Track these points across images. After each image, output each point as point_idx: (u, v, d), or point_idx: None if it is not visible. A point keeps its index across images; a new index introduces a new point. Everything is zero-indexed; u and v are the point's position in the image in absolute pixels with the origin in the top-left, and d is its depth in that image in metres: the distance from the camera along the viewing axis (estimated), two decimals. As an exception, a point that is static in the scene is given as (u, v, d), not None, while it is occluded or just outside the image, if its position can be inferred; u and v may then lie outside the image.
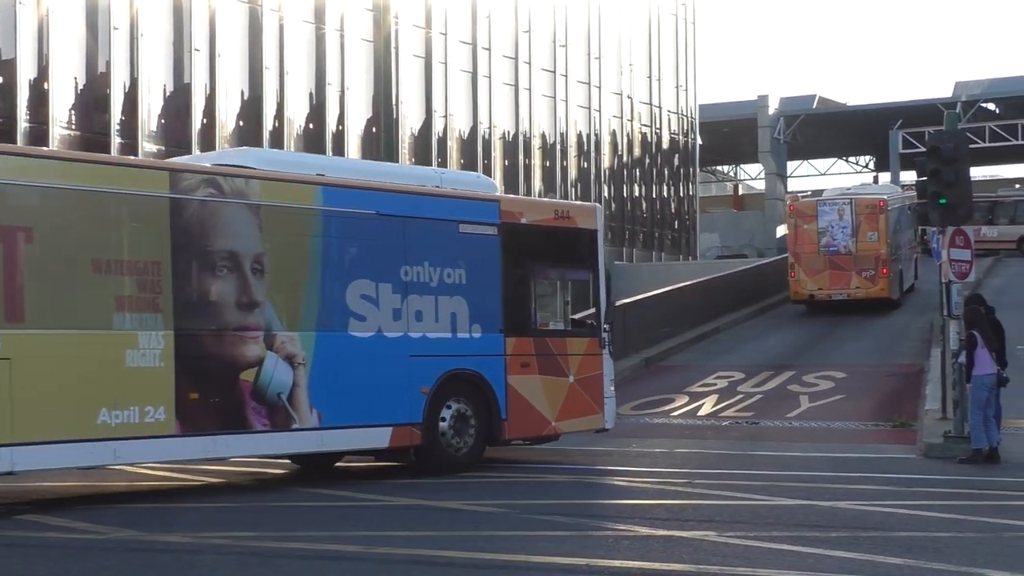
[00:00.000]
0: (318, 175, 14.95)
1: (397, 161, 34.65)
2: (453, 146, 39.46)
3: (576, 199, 43.29)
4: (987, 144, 57.08)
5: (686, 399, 24.09)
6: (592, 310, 17.68)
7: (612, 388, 17.65)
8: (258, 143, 31.87)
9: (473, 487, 14.43)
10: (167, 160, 14.70)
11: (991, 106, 61.94)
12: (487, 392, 15.95)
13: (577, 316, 17.92)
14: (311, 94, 34.23)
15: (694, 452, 18.43)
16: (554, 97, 44.64)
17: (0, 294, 12.02)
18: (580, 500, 13.45)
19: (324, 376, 14.29)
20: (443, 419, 15.53)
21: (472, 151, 40.15)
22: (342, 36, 34.75)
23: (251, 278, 13.81)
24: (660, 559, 9.51)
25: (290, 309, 14.19)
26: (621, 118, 49.26)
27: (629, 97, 49.77)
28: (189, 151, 29.76)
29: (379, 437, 14.94)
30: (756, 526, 11.21)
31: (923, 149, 21.26)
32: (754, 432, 20.97)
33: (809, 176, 77.61)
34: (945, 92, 62.49)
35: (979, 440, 16.80)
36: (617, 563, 9.34)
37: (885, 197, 36.88)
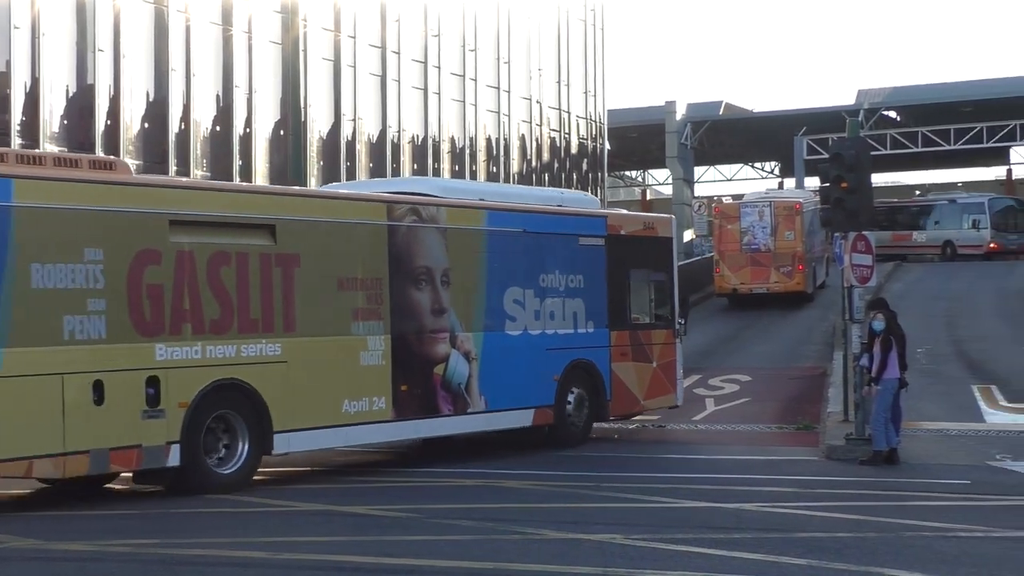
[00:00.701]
0: (480, 199, 18.04)
1: (305, 165, 34.66)
2: (362, 150, 39.24)
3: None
4: (888, 151, 58.04)
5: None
6: (668, 305, 20.79)
7: (681, 371, 21.06)
8: (164, 145, 31.43)
9: (377, 492, 14.41)
10: (377, 193, 17.45)
11: (892, 114, 63.05)
12: (597, 377, 19.24)
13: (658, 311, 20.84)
14: (218, 96, 33.81)
15: (602, 455, 18.55)
16: (463, 101, 44.60)
17: (280, 308, 14.72)
18: (488, 504, 13.47)
19: (489, 368, 17.37)
20: (569, 398, 18.78)
21: (381, 155, 39.97)
22: (250, 38, 34.35)
23: (441, 289, 16.82)
24: (568, 562, 9.56)
25: (466, 313, 17.21)
26: (530, 123, 49.37)
27: (538, 102, 49.88)
28: (93, 152, 29.28)
29: (526, 417, 18.10)
30: (662, 528, 11.31)
31: (827, 156, 21.55)
32: (661, 435, 21.15)
33: (716, 181, 78.30)
34: (848, 99, 63.37)
35: (879, 442, 17.11)
36: (524, 566, 9.37)
37: (801, 200, 39.80)
